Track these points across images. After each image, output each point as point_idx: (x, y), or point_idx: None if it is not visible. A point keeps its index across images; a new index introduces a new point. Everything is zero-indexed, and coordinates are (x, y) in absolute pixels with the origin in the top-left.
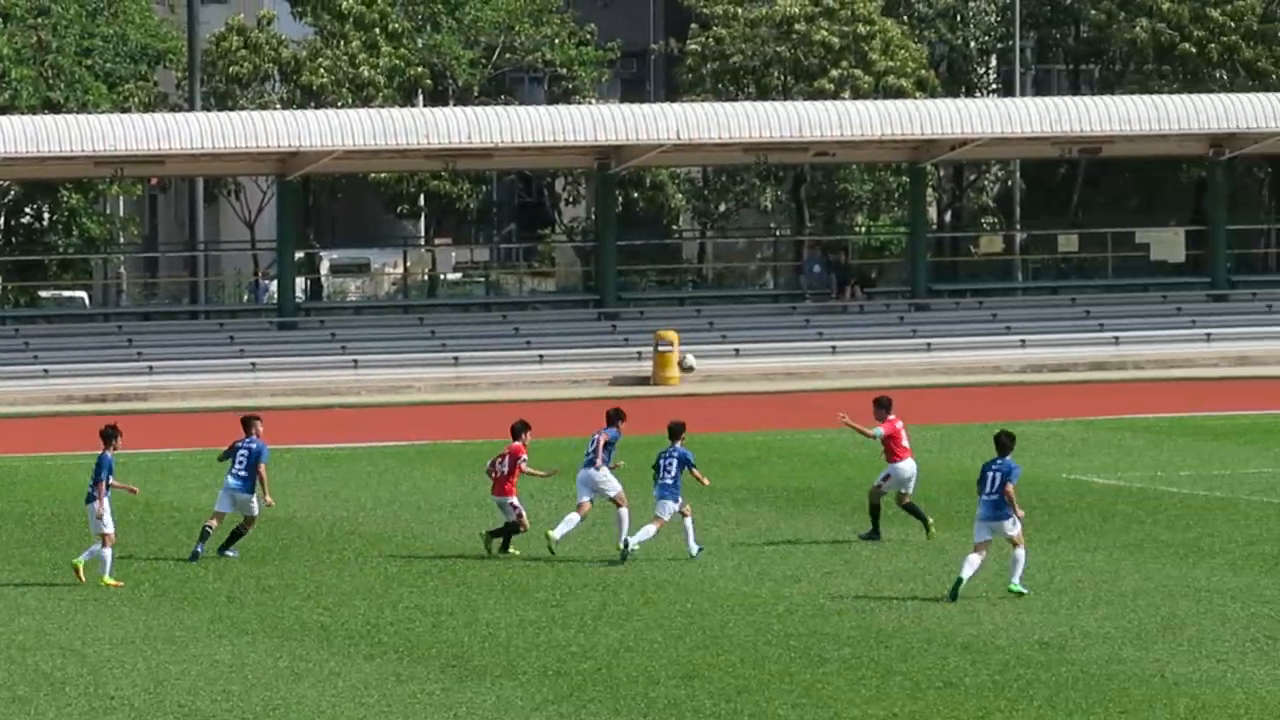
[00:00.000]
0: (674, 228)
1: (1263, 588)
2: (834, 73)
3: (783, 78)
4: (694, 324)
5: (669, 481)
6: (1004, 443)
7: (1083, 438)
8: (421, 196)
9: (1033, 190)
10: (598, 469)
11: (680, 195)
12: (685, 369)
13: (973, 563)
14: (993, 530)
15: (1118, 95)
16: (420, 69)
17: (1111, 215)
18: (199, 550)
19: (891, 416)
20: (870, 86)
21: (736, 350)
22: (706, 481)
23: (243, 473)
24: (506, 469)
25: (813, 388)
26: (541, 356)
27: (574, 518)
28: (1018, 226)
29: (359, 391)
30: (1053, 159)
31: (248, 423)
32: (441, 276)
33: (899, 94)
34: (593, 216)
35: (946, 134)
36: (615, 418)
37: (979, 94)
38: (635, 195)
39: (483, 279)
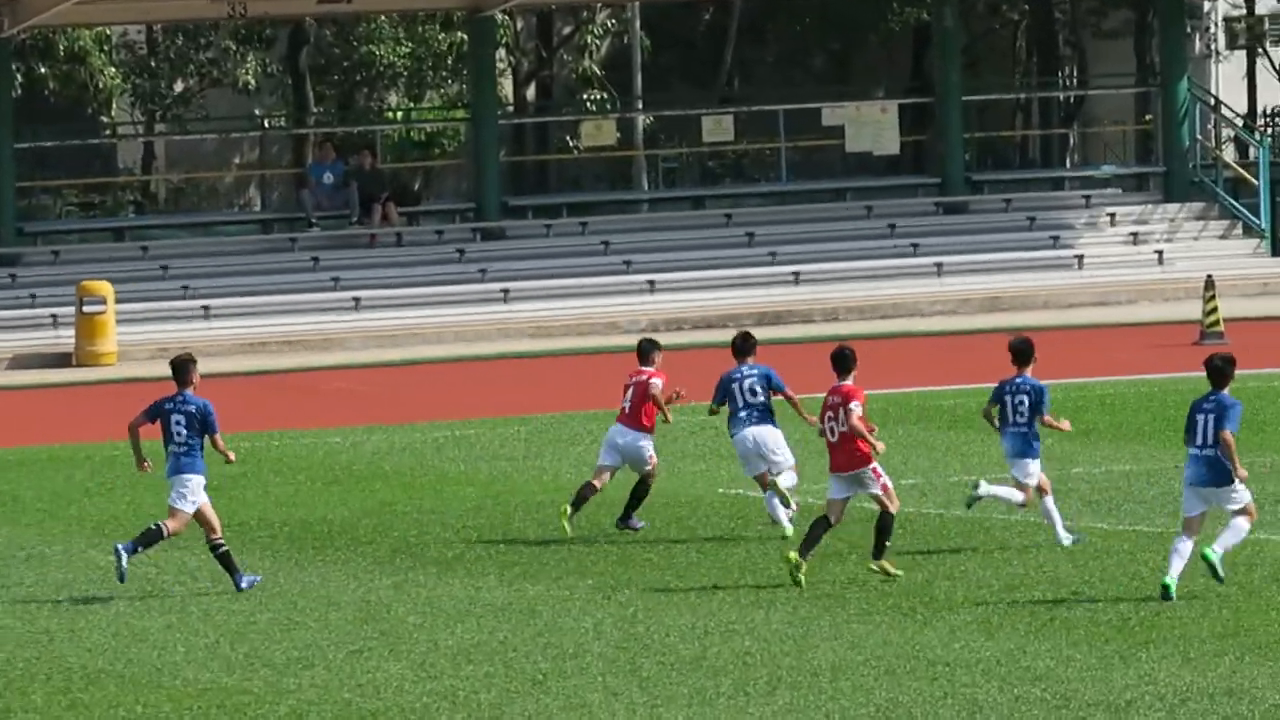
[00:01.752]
0: (104, 119)
1: (1031, 656)
2: None
3: None
4: (138, 270)
5: (1022, 428)
6: (1221, 369)
7: None
8: None
9: (661, 49)
10: (767, 426)
11: (113, 70)
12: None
13: (1182, 553)
14: (1207, 500)
15: None
16: None
17: (785, 86)
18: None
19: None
20: None
21: (205, 309)
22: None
23: (183, 445)
24: (839, 419)
25: (328, 364)
26: None
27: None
28: (639, 105)
29: None
30: None
31: (181, 368)
32: None
33: None
34: None
35: None
36: (750, 347)
37: None
38: (42, 71)
39: None
